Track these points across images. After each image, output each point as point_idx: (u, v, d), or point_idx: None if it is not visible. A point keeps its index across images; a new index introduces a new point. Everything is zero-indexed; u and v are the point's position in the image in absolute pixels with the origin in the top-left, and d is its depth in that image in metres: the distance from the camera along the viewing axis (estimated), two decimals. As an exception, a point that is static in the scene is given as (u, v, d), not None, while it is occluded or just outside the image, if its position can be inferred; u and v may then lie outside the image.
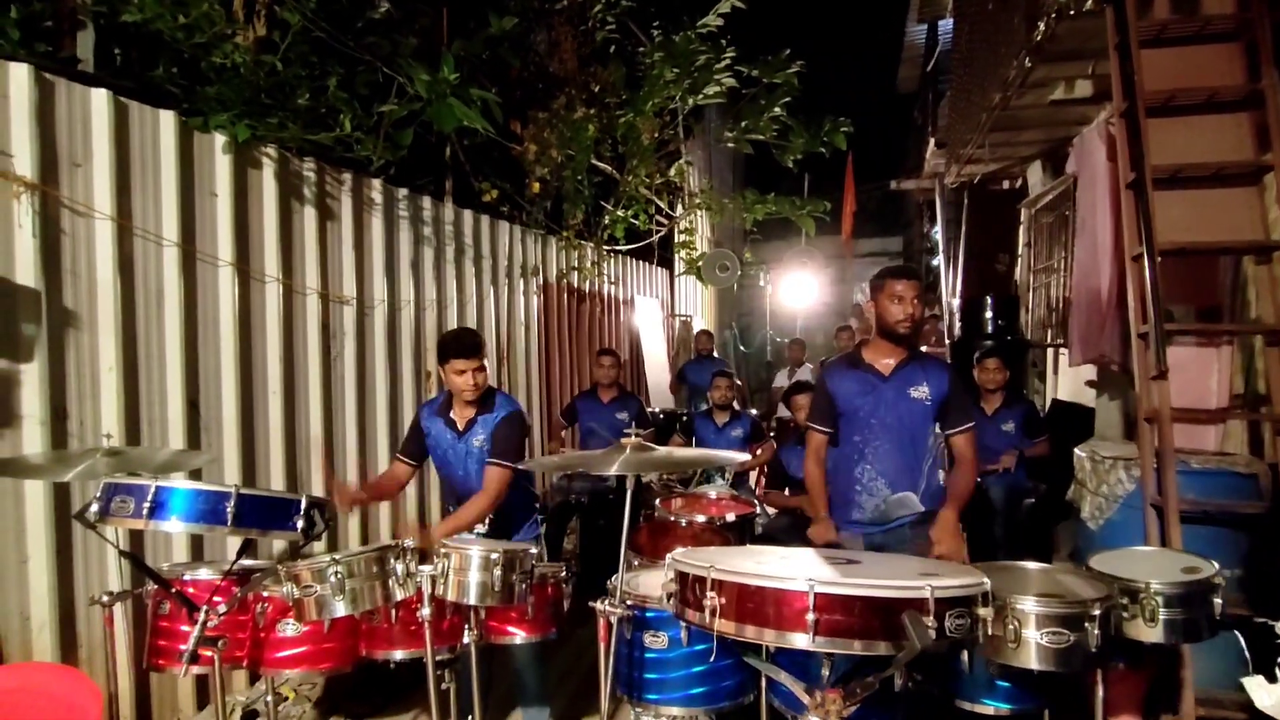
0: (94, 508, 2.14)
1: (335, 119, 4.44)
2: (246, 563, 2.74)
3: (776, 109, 8.62)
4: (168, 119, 3.58)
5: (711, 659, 2.42)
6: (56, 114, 3.15)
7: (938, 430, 3.12)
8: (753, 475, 5.94)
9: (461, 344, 3.27)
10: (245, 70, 4.05)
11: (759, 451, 5.77)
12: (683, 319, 12.79)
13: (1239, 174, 3.64)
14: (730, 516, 4.08)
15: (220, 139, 3.84)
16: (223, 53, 3.96)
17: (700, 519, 3.98)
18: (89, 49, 3.82)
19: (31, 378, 3.01)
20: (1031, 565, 2.56)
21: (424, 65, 4.68)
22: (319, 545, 4.37)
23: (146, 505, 2.07)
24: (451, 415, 3.39)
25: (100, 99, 3.29)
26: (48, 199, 3.09)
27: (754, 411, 8.52)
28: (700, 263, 10.73)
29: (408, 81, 4.73)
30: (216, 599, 2.46)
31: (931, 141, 9.24)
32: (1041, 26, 4.48)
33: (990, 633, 2.02)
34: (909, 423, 3.06)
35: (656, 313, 11.24)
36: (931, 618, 1.69)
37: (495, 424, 3.34)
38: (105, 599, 2.45)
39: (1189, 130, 3.70)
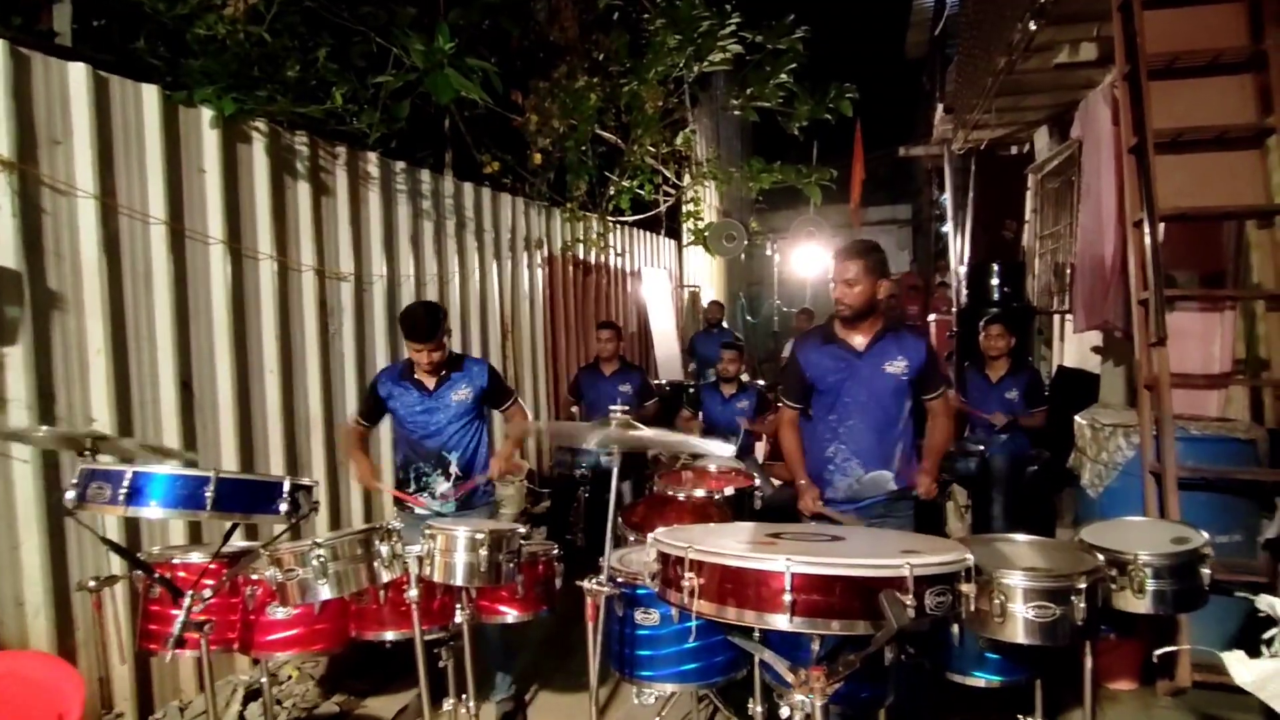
0: (70, 494, 2.13)
1: (327, 91, 4.38)
2: (238, 545, 2.75)
3: (782, 75, 8.47)
4: (151, 93, 3.53)
5: (692, 639, 2.41)
6: (34, 90, 3.10)
7: (910, 404, 3.08)
8: (759, 447, 5.92)
9: (416, 329, 3.37)
10: (231, 42, 3.99)
11: (766, 422, 5.74)
12: (691, 289, 12.72)
13: (1242, 137, 3.57)
14: (729, 490, 4.06)
15: (207, 113, 3.79)
16: (206, 24, 3.90)
17: (699, 493, 3.97)
18: (66, 22, 3.77)
19: (15, 361, 3.00)
20: (1021, 538, 2.53)
21: (420, 35, 4.60)
22: (323, 525, 4.41)
23: (123, 491, 2.06)
24: (417, 377, 3.53)
25: (79, 73, 3.23)
26: (27, 178, 3.05)
27: (761, 383, 8.48)
28: (707, 233, 10.64)
29: (403, 52, 4.66)
30: (206, 582, 2.46)
31: (939, 107, 9.07)
32: (1046, -13, 4.37)
33: (976, 607, 1.99)
34: (883, 400, 3.02)
35: (664, 283, 11.17)
36: (911, 596, 1.66)
37: (486, 378, 3.60)
38: (93, 584, 2.45)
39: (1192, 93, 3.62)
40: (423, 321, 3.37)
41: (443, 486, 3.50)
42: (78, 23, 3.86)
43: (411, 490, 3.54)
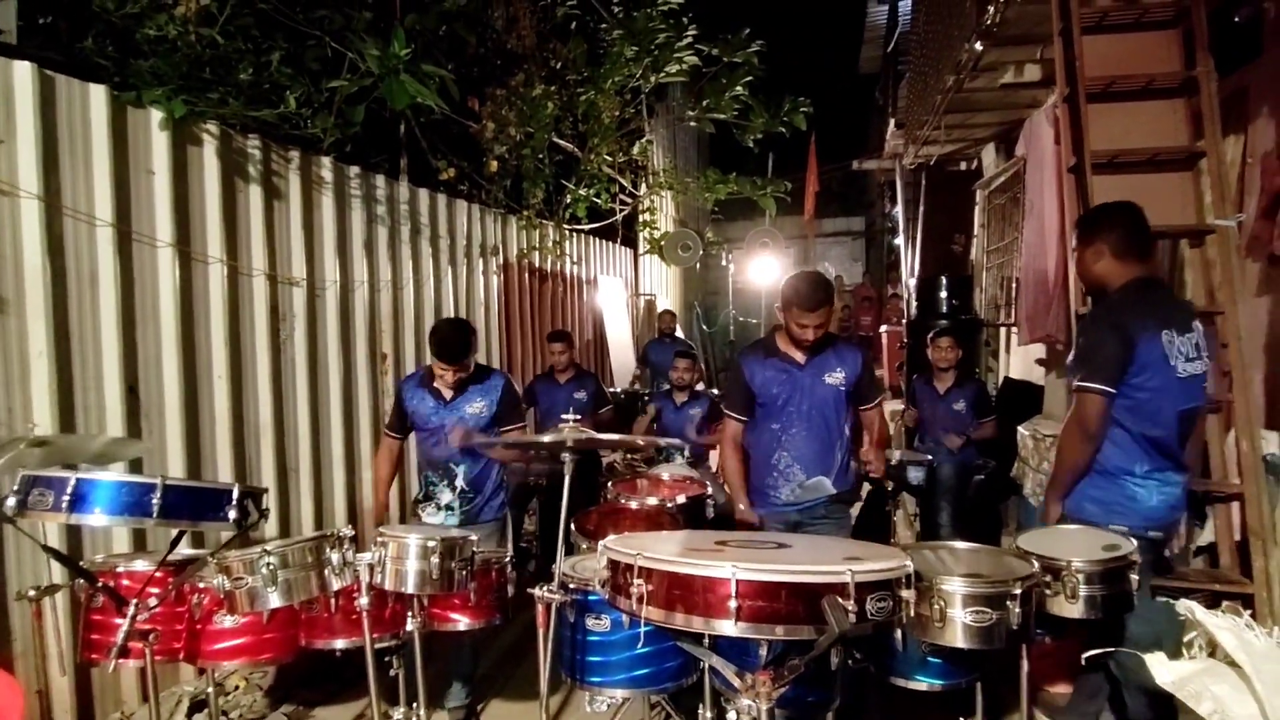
0: (10, 501, 2.07)
1: (281, 95, 4.33)
2: (185, 552, 2.70)
3: (738, 88, 8.59)
4: (98, 93, 3.46)
5: (642, 644, 2.43)
6: (-25, 89, 3.03)
7: (850, 414, 3.24)
8: (713, 455, 5.97)
9: (444, 349, 3.43)
10: (182, 43, 3.93)
11: (718, 430, 5.79)
12: (647, 298, 12.77)
13: (1174, 159, 3.70)
14: (682, 499, 4.09)
15: (156, 115, 3.72)
16: (156, 24, 3.84)
17: (651, 501, 3.99)
18: (11, 19, 3.67)
19: (-47, 364, 2.92)
20: (961, 545, 2.62)
21: (376, 40, 4.58)
22: (273, 532, 4.33)
23: (66, 498, 2.02)
24: (435, 385, 3.56)
25: (24, 71, 3.17)
26: (-32, 178, 2.98)
27: (715, 391, 8.56)
28: (663, 242, 10.71)
29: (359, 57, 4.63)
30: (151, 590, 2.41)
31: (892, 122, 9.27)
32: (991, 10, 4.52)
33: (917, 613, 2.06)
34: (824, 409, 3.17)
35: (620, 292, 11.21)
36: (853, 601, 1.71)
37: (501, 392, 3.60)
38: (32, 593, 2.38)
39: (1128, 116, 3.76)
40: (453, 344, 3.43)
41: (447, 498, 3.50)
42: (23, 20, 3.77)
43: (420, 499, 3.58)
